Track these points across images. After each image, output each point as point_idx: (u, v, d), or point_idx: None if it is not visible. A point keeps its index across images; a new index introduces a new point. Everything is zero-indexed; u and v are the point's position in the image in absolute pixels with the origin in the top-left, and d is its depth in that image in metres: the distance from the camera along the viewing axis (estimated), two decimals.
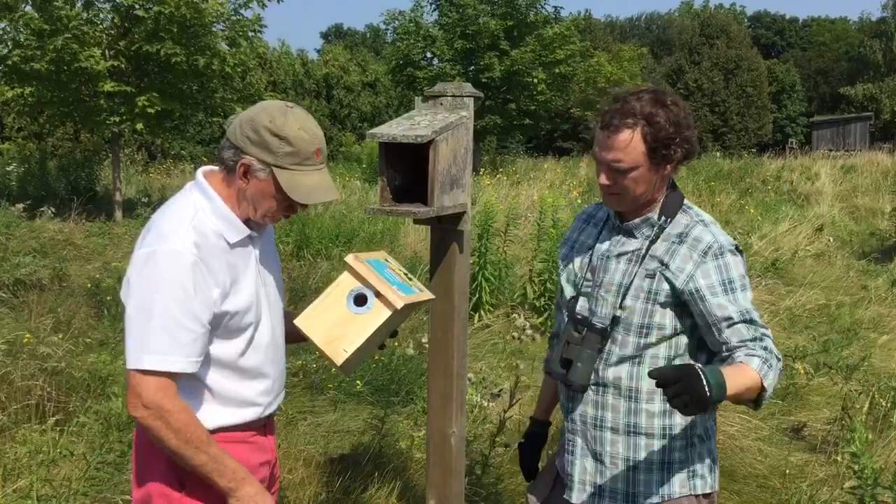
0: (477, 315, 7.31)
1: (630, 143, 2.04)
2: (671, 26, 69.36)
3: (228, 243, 2.01)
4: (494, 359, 6.18)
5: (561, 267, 2.37)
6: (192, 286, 1.90)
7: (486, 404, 4.60)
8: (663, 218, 2.15)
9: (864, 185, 18.90)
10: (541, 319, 7.25)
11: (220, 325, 1.99)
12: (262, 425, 2.20)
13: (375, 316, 2.12)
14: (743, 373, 1.94)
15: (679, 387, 1.76)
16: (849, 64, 53.80)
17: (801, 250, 11.30)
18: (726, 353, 2.06)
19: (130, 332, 1.91)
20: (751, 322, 2.06)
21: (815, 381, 5.69)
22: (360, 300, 2.15)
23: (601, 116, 2.10)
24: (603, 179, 2.12)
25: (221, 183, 2.05)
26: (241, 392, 2.08)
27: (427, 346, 4.88)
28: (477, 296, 7.34)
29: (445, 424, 2.82)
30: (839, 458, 4.30)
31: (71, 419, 4.37)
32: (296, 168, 1.99)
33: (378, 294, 2.13)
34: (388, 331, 2.25)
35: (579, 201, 13.31)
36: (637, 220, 2.18)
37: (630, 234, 2.20)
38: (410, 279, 2.30)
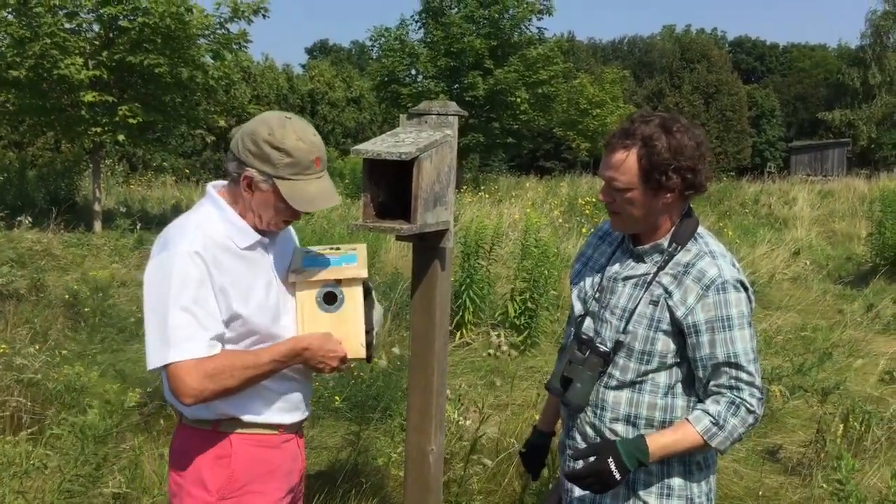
0: (459, 333, 7.32)
1: (624, 163, 2.06)
2: (653, 50, 70.26)
3: (238, 247, 2.07)
4: (473, 376, 6.18)
5: (573, 282, 2.38)
6: (199, 278, 1.97)
7: (464, 422, 4.59)
8: (673, 245, 2.13)
9: (841, 210, 19.12)
10: (521, 338, 7.26)
11: (237, 328, 2.05)
12: (296, 431, 2.26)
13: (353, 300, 2.16)
14: (682, 433, 2.07)
15: (590, 481, 2.06)
16: (827, 90, 54.62)
17: (779, 273, 11.40)
18: (702, 396, 2.14)
19: (151, 332, 1.97)
20: (736, 366, 2.08)
21: (790, 403, 5.73)
22: (329, 298, 2.16)
23: (609, 134, 2.15)
24: (601, 195, 2.16)
25: (229, 193, 2.13)
26: (284, 393, 2.16)
27: (399, 357, 4.90)
28: (460, 314, 7.34)
29: (424, 441, 2.82)
30: (824, 485, 4.31)
31: (46, 431, 4.32)
32: (296, 178, 2.04)
33: (339, 281, 2.15)
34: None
35: (560, 220, 13.38)
36: (647, 246, 2.17)
37: (640, 258, 2.19)
38: (339, 249, 2.30)
